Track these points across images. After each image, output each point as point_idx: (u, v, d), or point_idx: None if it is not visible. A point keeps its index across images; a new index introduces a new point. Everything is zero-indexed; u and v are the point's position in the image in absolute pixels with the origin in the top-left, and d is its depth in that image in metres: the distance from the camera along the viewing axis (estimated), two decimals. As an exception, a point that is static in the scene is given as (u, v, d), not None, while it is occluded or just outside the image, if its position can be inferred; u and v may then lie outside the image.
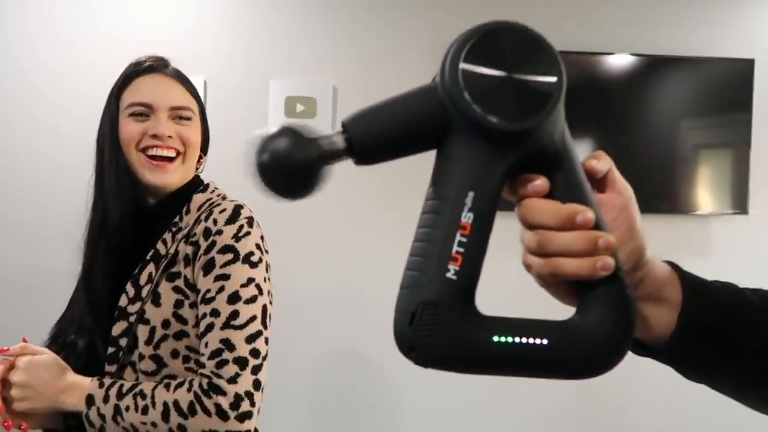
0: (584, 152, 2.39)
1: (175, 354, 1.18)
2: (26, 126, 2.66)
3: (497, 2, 2.68)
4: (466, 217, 0.49)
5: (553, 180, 0.52)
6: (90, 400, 1.12)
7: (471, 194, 0.49)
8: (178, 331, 1.18)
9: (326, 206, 2.57)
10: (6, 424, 1.15)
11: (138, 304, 1.19)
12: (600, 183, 0.58)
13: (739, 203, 2.70)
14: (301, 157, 0.49)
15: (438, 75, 0.50)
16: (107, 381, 1.15)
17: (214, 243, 1.16)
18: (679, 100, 2.69)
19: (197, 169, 1.32)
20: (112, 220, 1.23)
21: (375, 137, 0.51)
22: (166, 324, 1.18)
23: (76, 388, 1.14)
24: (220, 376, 1.10)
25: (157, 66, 1.27)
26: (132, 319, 1.19)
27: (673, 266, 0.62)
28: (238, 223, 1.18)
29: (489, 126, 0.47)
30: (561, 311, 0.55)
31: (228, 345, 1.11)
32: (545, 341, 0.50)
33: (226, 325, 1.12)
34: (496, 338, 0.49)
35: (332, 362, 2.75)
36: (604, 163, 0.58)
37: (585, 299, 0.52)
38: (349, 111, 2.35)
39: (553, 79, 0.48)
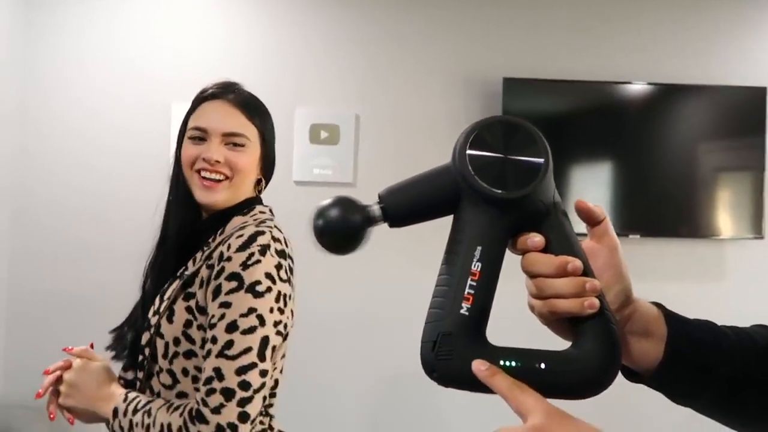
0: (604, 176, 2.45)
1: (185, 372, 1.19)
2: (84, 146, 2.79)
3: (523, 38, 2.78)
4: (476, 266, 0.60)
5: (547, 235, 0.61)
6: (115, 412, 1.18)
7: (479, 248, 0.60)
8: (187, 350, 1.19)
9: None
10: (52, 414, 1.23)
11: (156, 318, 1.22)
12: (594, 233, 0.68)
13: (756, 227, 2.75)
14: (353, 222, 0.62)
15: (451, 158, 0.62)
16: (131, 395, 1.19)
17: (223, 269, 1.15)
18: (693, 126, 2.76)
19: (259, 192, 1.35)
20: (171, 230, 1.30)
21: (404, 207, 0.63)
22: (176, 341, 1.19)
23: (112, 399, 1.19)
24: (206, 404, 1.09)
25: (219, 93, 1.30)
26: (152, 331, 1.22)
27: (658, 305, 0.71)
28: (248, 251, 1.15)
29: (491, 195, 0.59)
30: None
31: (218, 374, 1.10)
32: (543, 365, 0.58)
33: (220, 354, 1.11)
34: (502, 362, 0.58)
35: (385, 383, 2.81)
36: (600, 212, 0.67)
37: (578, 333, 0.61)
38: (371, 138, 2.45)
39: (541, 159, 0.60)
